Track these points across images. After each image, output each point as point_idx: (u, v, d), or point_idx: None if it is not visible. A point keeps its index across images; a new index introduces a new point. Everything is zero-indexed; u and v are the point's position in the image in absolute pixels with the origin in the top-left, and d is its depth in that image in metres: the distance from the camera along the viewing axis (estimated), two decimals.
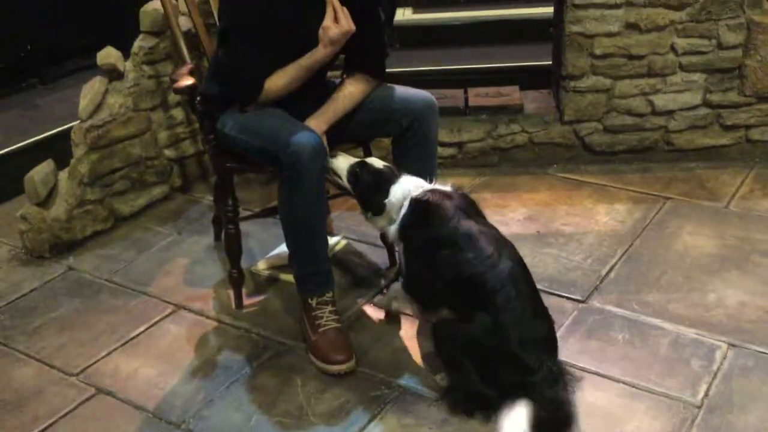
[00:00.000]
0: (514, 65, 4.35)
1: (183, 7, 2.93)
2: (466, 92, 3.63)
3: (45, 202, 2.99)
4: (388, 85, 2.53)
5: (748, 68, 3.24)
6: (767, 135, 3.36)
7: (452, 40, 4.90)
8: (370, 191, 2.29)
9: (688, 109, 3.33)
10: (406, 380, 2.26)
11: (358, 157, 3.11)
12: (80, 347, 2.50)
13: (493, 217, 3.04)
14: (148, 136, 3.24)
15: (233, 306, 2.64)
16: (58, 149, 3.22)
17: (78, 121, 3.04)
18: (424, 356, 2.34)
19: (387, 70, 2.55)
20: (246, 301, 2.65)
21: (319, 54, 2.29)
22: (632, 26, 3.20)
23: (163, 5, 2.76)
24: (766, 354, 2.27)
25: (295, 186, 2.21)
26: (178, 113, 3.37)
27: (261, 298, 2.69)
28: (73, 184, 3.03)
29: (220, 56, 2.38)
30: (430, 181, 2.61)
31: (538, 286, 2.57)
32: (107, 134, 3.07)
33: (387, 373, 2.29)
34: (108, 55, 3.08)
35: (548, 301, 2.48)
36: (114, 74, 3.09)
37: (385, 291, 2.63)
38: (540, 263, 2.76)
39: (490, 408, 2.04)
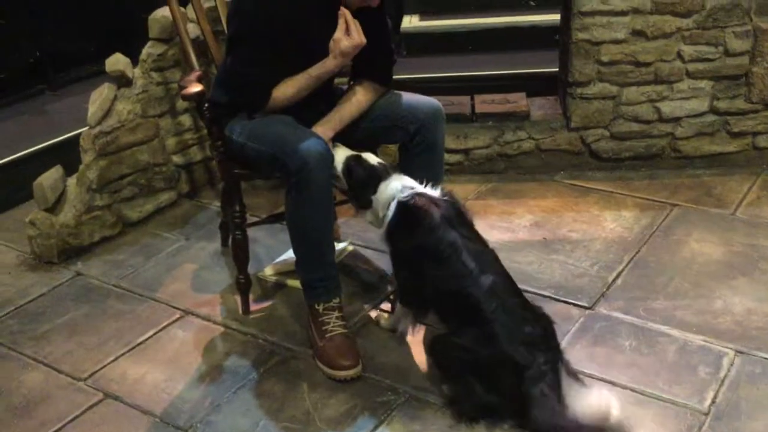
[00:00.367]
0: (520, 72, 4.35)
1: (192, 14, 2.95)
2: (472, 99, 3.64)
3: (53, 208, 3.00)
4: (395, 92, 2.54)
5: (755, 75, 3.24)
6: None
7: (459, 47, 4.91)
8: (359, 185, 2.29)
9: (695, 116, 3.33)
10: (413, 386, 2.26)
11: None
12: (88, 352, 2.51)
13: (499, 223, 3.07)
14: (156, 143, 3.26)
15: (240, 311, 2.64)
16: (66, 155, 3.23)
17: (87, 128, 3.06)
18: (430, 363, 2.34)
19: (394, 76, 2.56)
20: (253, 307, 2.66)
21: (329, 65, 2.31)
22: (639, 33, 3.20)
23: (172, 12, 2.77)
24: None
25: (302, 192, 2.22)
26: (186, 119, 3.39)
27: (268, 303, 2.70)
28: (81, 190, 3.04)
29: (228, 64, 2.39)
30: (434, 187, 2.63)
31: (545, 293, 2.59)
32: (116, 140, 3.09)
33: (394, 379, 2.29)
34: (117, 61, 3.10)
35: (555, 307, 2.49)
36: (123, 81, 3.11)
37: (383, 309, 2.62)
38: (547, 270, 2.76)
39: (495, 414, 2.06)
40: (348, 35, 2.25)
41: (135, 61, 3.19)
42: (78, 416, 2.23)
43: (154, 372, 2.40)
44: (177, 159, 3.39)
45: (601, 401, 1.93)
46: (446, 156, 3.02)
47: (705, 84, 3.28)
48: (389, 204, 2.24)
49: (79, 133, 3.11)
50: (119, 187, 3.16)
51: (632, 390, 2.19)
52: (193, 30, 2.97)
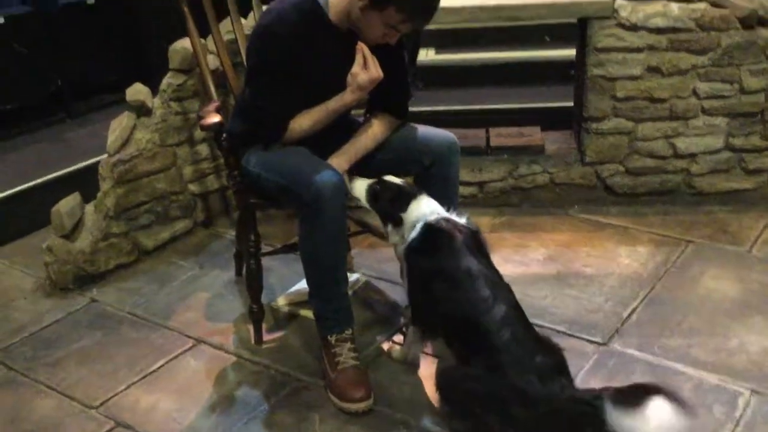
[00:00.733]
0: (535, 106, 4.38)
1: (212, 46, 2.99)
2: (487, 132, 3.66)
3: (70, 235, 3.03)
4: (411, 124, 2.56)
5: None
6: None
7: (474, 81, 4.95)
8: (390, 203, 2.29)
9: (711, 152, 3.33)
10: (425, 420, 2.25)
11: None
12: (100, 380, 2.51)
13: (513, 256, 3.07)
14: (174, 171, 3.29)
15: (253, 341, 2.65)
16: (85, 183, 3.27)
17: (105, 156, 3.10)
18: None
19: (410, 109, 2.59)
20: (265, 337, 2.66)
21: (346, 98, 2.34)
22: (654, 70, 3.22)
23: (192, 44, 2.82)
24: None
25: (316, 224, 2.23)
26: (203, 149, 3.43)
27: (280, 334, 2.70)
28: (98, 218, 3.07)
29: (246, 95, 2.42)
30: (459, 215, 2.64)
31: (559, 328, 2.58)
32: (134, 169, 3.12)
33: (406, 412, 2.28)
34: (137, 91, 3.15)
35: (568, 342, 2.47)
36: (142, 110, 3.16)
37: (395, 341, 2.61)
38: (560, 304, 2.75)
39: None
40: (366, 69, 2.27)
41: (155, 91, 3.24)
42: None
43: (165, 401, 2.40)
44: (193, 188, 3.42)
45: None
46: (461, 188, 3.02)
47: (720, 121, 3.28)
48: (416, 224, 2.24)
49: (98, 161, 3.14)
50: (136, 215, 3.19)
51: None
52: (212, 61, 3.01)
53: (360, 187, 2.34)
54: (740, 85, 3.21)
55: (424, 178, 2.52)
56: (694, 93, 3.25)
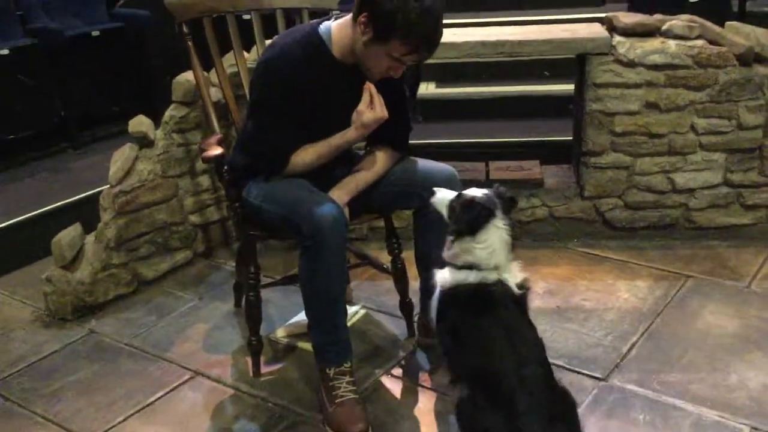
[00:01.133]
0: (534, 140, 4.41)
1: (215, 78, 3.03)
2: (487, 165, 3.68)
3: (70, 265, 3.04)
4: (411, 158, 2.58)
5: None
6: None
7: (474, 114, 5.00)
8: (465, 225, 2.10)
9: (709, 187, 3.35)
10: None
11: (379, 227, 3.16)
12: (97, 412, 2.50)
13: None
14: (175, 202, 3.31)
15: (251, 374, 2.64)
16: (86, 213, 3.29)
17: (107, 186, 3.12)
18: (442, 431, 2.32)
19: (410, 142, 2.61)
20: (264, 369, 2.65)
21: (350, 136, 2.36)
22: (652, 105, 3.25)
23: (196, 77, 2.85)
24: None
25: (316, 256, 2.24)
26: (205, 180, 3.45)
27: (279, 366, 2.69)
28: (99, 248, 3.08)
29: (248, 128, 2.44)
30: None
31: (558, 362, 2.57)
32: (135, 199, 3.14)
33: None
34: (140, 123, 3.18)
35: (568, 377, 2.47)
36: (145, 141, 3.18)
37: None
38: (560, 338, 2.75)
39: None
40: (371, 108, 2.30)
41: (157, 123, 3.27)
42: None
43: None
44: (194, 218, 3.43)
45: None
46: None
47: (718, 156, 3.30)
48: (472, 263, 2.08)
49: (100, 192, 3.16)
50: (136, 246, 3.20)
51: None
52: (215, 94, 3.04)
53: (442, 200, 2.24)
54: (738, 121, 3.24)
55: (423, 211, 2.53)
56: (692, 129, 3.27)
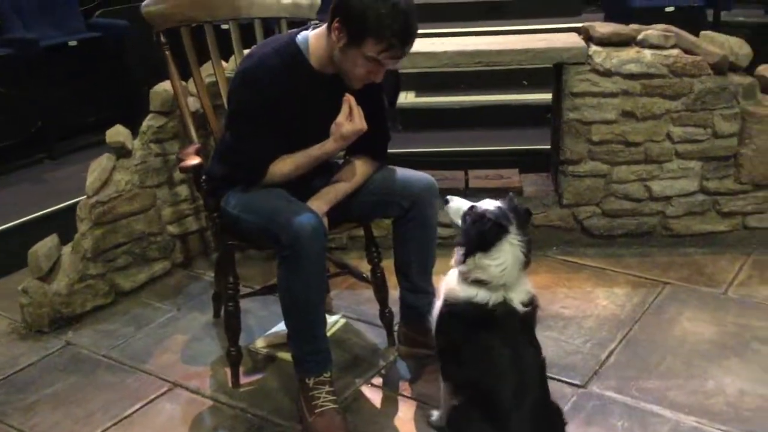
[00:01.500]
0: (513, 149, 4.44)
1: (192, 88, 3.02)
2: (466, 174, 3.69)
3: (47, 276, 3.01)
4: (390, 167, 2.58)
5: (743, 157, 3.30)
6: (764, 222, 3.40)
7: (454, 123, 5.02)
8: (472, 242, 2.04)
9: (685, 195, 3.38)
10: None
11: (358, 236, 3.16)
12: (74, 424, 2.47)
13: None
14: (153, 212, 3.29)
15: (230, 384, 2.62)
16: (63, 224, 3.25)
17: (84, 197, 3.09)
18: None
19: (390, 151, 2.61)
20: (243, 380, 2.63)
21: (328, 147, 2.36)
22: (629, 114, 3.28)
23: (174, 86, 2.84)
24: None
25: (295, 266, 2.23)
26: (183, 190, 3.43)
27: (258, 377, 2.68)
28: (76, 259, 3.05)
29: (226, 139, 2.43)
30: (431, 264, 2.64)
31: None
32: (112, 210, 3.11)
33: None
34: (117, 133, 3.16)
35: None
36: (122, 152, 3.16)
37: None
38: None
39: None
40: (350, 120, 2.30)
41: (135, 133, 3.25)
42: None
43: None
44: (172, 229, 3.41)
45: None
46: (440, 230, 3.03)
47: (694, 164, 3.34)
48: (481, 279, 2.02)
49: (77, 202, 3.14)
50: (114, 257, 3.17)
51: None
52: (193, 104, 3.04)
53: (456, 210, 2.18)
54: (713, 129, 3.28)
55: (403, 220, 2.54)
56: (668, 137, 3.31)
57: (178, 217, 3.43)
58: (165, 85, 3.20)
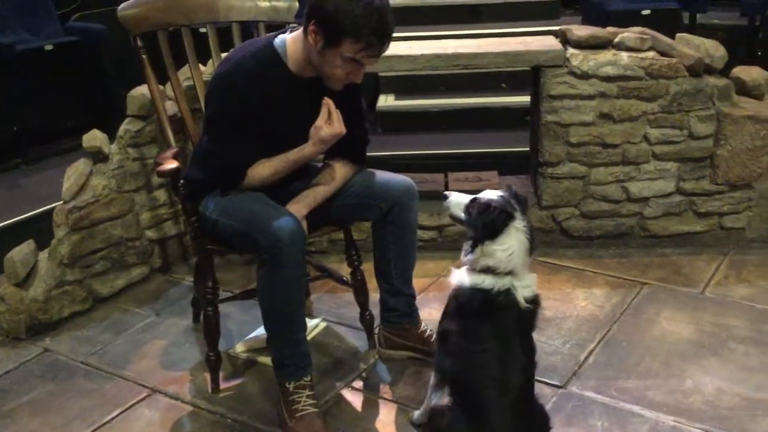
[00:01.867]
0: (493, 151, 4.46)
1: (170, 92, 3.00)
2: (446, 176, 3.70)
3: (24, 283, 2.98)
4: (369, 170, 2.58)
5: (719, 158, 3.34)
6: (740, 222, 3.43)
7: (433, 126, 5.03)
8: (481, 231, 2.06)
9: (662, 196, 3.41)
10: None
11: (338, 240, 3.15)
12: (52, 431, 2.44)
13: None
14: (131, 217, 3.26)
15: (209, 390, 2.60)
16: (39, 230, 3.22)
17: (61, 202, 3.06)
18: None
19: (370, 153, 2.61)
20: (223, 385, 2.62)
21: (307, 151, 2.35)
22: (606, 116, 3.30)
23: (151, 90, 2.82)
24: None
25: (274, 270, 2.23)
26: (161, 194, 3.41)
27: (238, 381, 2.66)
28: (52, 265, 3.02)
29: (204, 143, 2.42)
30: (411, 266, 2.64)
31: None
32: (89, 215, 3.09)
33: None
34: (93, 137, 3.13)
35: None
36: (99, 156, 3.14)
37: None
38: None
39: None
40: (329, 124, 2.29)
41: (112, 137, 3.22)
42: None
43: None
44: (151, 234, 3.39)
45: None
46: (420, 233, 3.06)
47: (671, 165, 3.37)
48: (488, 266, 2.05)
49: (54, 208, 3.11)
50: (91, 262, 3.14)
51: None
52: (171, 107, 3.02)
53: (457, 203, 2.20)
54: (689, 130, 3.31)
55: (382, 223, 2.54)
56: (645, 139, 3.33)
57: (156, 222, 3.41)
58: (142, 89, 3.18)
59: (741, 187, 3.37)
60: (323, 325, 2.98)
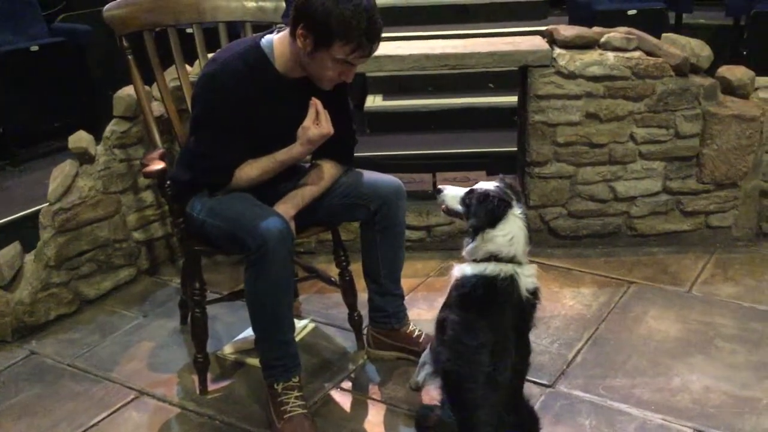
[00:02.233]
0: (480, 151, 4.47)
1: (156, 93, 2.99)
2: (434, 176, 3.71)
3: (9, 285, 2.95)
4: (357, 170, 2.58)
5: (705, 157, 3.35)
6: (726, 221, 3.45)
7: (421, 126, 5.04)
8: (482, 219, 2.10)
9: (649, 195, 3.43)
10: None
11: (326, 240, 3.15)
12: None
13: None
14: (117, 219, 3.25)
15: (197, 392, 2.59)
16: (25, 232, 3.20)
17: (47, 204, 3.04)
18: None
19: (357, 154, 2.61)
20: (211, 387, 2.61)
21: (295, 152, 2.35)
22: (593, 116, 3.31)
23: (137, 91, 2.80)
24: None
25: (262, 271, 2.22)
26: (148, 196, 3.39)
27: (226, 383, 2.66)
28: (38, 267, 3.00)
29: (191, 144, 2.41)
30: (399, 266, 2.65)
31: None
32: (75, 217, 3.07)
33: None
34: (79, 139, 3.12)
35: None
36: (85, 157, 3.12)
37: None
38: None
39: None
40: (317, 124, 2.29)
41: (98, 138, 3.21)
42: None
43: None
44: (138, 235, 3.37)
45: None
46: (408, 233, 3.05)
47: (657, 165, 3.38)
48: (489, 253, 2.09)
49: (39, 210, 3.08)
50: (77, 264, 3.12)
51: None
52: (157, 108, 3.00)
53: (453, 197, 2.23)
54: (675, 130, 3.33)
55: (370, 223, 2.54)
56: (632, 138, 3.35)
57: (143, 223, 3.39)
58: (128, 90, 3.17)
59: (727, 185, 3.39)
60: (312, 325, 2.98)
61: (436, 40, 3.89)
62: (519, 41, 3.48)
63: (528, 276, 2.12)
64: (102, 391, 2.64)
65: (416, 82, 5.25)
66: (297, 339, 2.44)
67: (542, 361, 2.69)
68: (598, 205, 3.45)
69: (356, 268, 2.69)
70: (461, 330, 2.08)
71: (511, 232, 2.09)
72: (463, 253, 2.18)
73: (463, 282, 2.13)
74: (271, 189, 2.44)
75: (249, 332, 2.79)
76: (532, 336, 2.77)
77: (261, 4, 2.89)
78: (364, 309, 2.74)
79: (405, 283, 2.71)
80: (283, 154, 2.37)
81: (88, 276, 3.18)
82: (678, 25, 5.67)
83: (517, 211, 2.11)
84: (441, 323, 2.19)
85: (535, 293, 2.13)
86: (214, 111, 2.32)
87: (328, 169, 2.51)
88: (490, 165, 3.89)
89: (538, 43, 3.42)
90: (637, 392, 2.50)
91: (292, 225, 2.34)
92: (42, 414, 2.53)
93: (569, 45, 3.33)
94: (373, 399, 2.54)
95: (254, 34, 2.46)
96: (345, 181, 2.54)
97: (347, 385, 2.62)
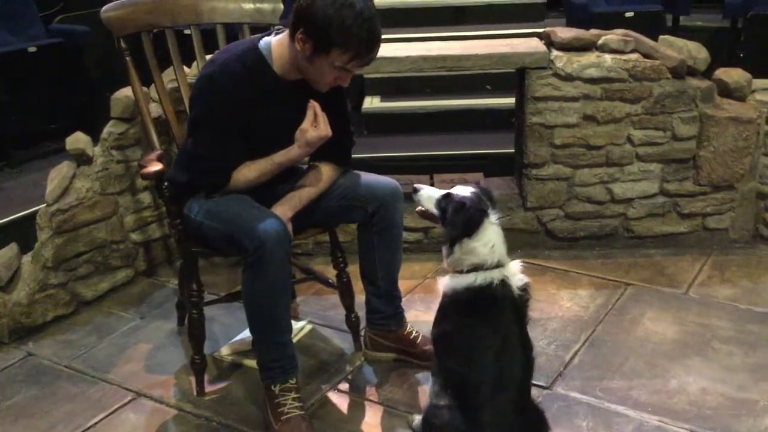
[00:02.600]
0: (478, 152, 4.47)
1: (154, 94, 2.99)
2: (431, 178, 3.70)
3: (7, 286, 2.95)
4: (354, 172, 2.59)
5: (702, 159, 3.36)
6: (723, 223, 3.46)
7: (419, 128, 5.04)
8: (458, 229, 2.10)
9: (646, 197, 3.43)
10: None
11: (324, 242, 3.15)
12: None
13: None
14: (115, 220, 3.25)
15: (195, 393, 2.59)
16: (23, 233, 3.20)
17: (44, 205, 3.04)
18: None
19: (354, 156, 2.61)
20: (208, 388, 2.61)
21: (293, 154, 2.35)
22: (590, 118, 3.32)
23: (135, 92, 2.81)
24: None
25: (260, 272, 2.22)
26: (146, 197, 3.39)
27: (223, 384, 2.65)
28: (36, 268, 3.00)
29: (189, 146, 2.41)
30: (397, 268, 2.65)
31: None
32: (73, 218, 3.07)
33: None
34: (77, 140, 3.12)
35: None
36: (82, 159, 3.12)
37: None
38: None
39: None
40: (315, 127, 2.29)
41: (96, 140, 3.21)
42: None
43: None
44: (135, 236, 3.37)
45: None
46: (405, 234, 3.06)
47: (654, 167, 3.39)
48: (474, 264, 2.08)
49: (37, 211, 3.08)
50: (75, 265, 3.12)
51: None
52: (155, 110, 3.00)
53: (428, 197, 2.21)
54: (672, 132, 3.33)
55: (368, 225, 2.54)
56: (629, 140, 3.35)
57: (140, 225, 3.39)
58: (126, 91, 3.17)
59: (724, 188, 3.40)
60: (309, 327, 2.98)
61: (434, 41, 3.89)
62: (516, 43, 3.49)
63: (515, 274, 2.12)
64: (99, 393, 2.64)
65: (414, 83, 5.25)
66: (294, 340, 2.45)
67: (539, 362, 2.66)
68: (595, 206, 3.46)
69: (354, 269, 2.69)
70: (465, 336, 2.08)
71: (490, 240, 2.09)
72: (445, 264, 2.17)
73: (456, 296, 2.12)
74: (269, 191, 2.44)
75: (246, 334, 2.79)
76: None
77: (259, 5, 2.90)
78: (361, 310, 2.74)
79: (402, 284, 2.72)
80: (281, 156, 2.37)
81: (86, 277, 3.18)
82: (675, 28, 5.68)
83: (493, 218, 2.11)
84: (441, 337, 2.16)
85: (525, 288, 2.13)
86: (212, 113, 2.32)
87: (326, 171, 2.51)
88: (487, 167, 3.90)
89: (535, 45, 3.43)
90: (634, 394, 2.50)
91: (290, 227, 2.34)
92: (39, 415, 2.53)
93: (566, 47, 3.33)
94: (371, 401, 2.54)
95: (252, 36, 2.46)
96: (342, 182, 2.54)
97: (344, 386, 2.62)
